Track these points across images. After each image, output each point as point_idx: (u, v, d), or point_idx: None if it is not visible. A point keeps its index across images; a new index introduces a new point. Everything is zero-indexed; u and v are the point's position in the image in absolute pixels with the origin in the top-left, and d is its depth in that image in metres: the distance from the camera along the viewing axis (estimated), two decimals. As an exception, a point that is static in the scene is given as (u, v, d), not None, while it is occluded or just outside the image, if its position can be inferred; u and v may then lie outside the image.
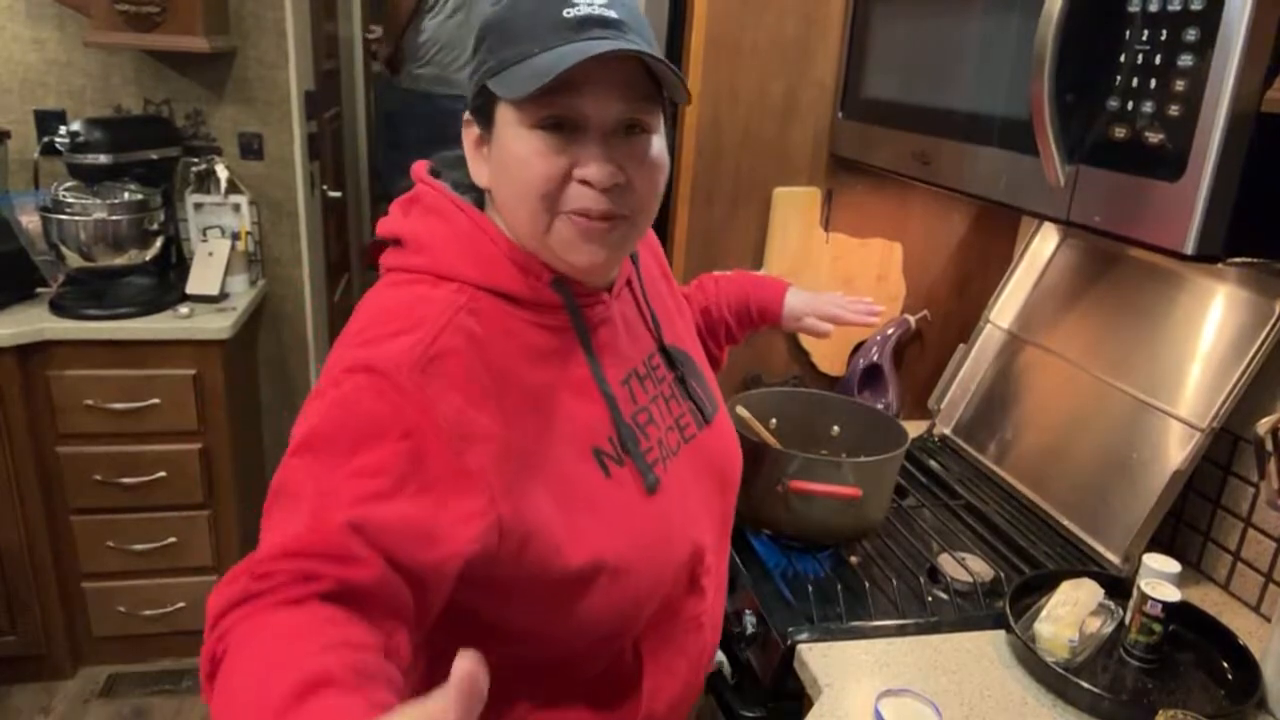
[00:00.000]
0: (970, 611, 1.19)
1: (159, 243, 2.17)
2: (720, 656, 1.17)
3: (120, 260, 2.09)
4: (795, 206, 1.69)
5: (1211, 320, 1.27)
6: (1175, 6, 0.89)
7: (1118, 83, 0.96)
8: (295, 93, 2.40)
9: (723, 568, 0.99)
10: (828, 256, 1.74)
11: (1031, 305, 1.61)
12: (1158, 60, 0.91)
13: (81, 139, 2.03)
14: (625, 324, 0.89)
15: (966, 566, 1.26)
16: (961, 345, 1.72)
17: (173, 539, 2.19)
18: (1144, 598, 1.07)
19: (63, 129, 2.03)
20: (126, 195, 2.10)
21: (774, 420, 1.39)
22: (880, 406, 1.71)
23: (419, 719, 0.46)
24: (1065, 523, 1.37)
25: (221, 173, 2.31)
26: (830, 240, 1.74)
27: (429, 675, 0.83)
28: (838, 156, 1.66)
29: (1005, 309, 1.65)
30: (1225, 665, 1.09)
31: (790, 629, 1.12)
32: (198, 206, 2.32)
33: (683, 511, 0.88)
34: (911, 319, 1.80)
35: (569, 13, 0.73)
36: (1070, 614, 1.10)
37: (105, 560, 2.17)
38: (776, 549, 1.30)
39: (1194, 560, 1.33)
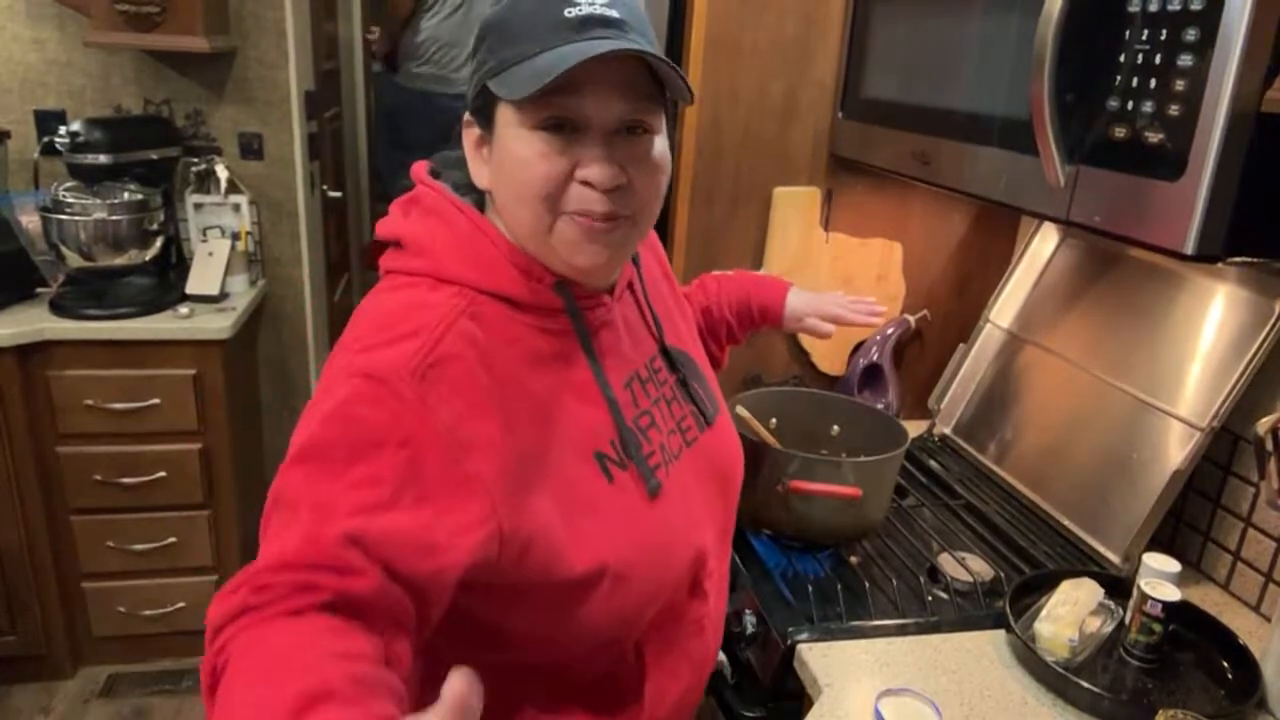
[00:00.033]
0: (970, 611, 1.19)
1: (159, 243, 2.17)
2: (720, 656, 1.17)
3: (120, 260, 2.09)
4: (795, 206, 1.70)
5: (1211, 320, 1.27)
6: (1175, 6, 0.89)
7: (1118, 82, 0.96)
8: (295, 93, 2.40)
9: (724, 570, 0.99)
10: (828, 256, 1.74)
11: (1031, 305, 1.61)
12: (1158, 60, 0.91)
13: (81, 139, 2.02)
14: (627, 326, 0.88)
15: (966, 566, 1.26)
16: (961, 345, 1.72)
17: (173, 539, 2.19)
18: (1144, 597, 1.07)
19: (63, 129, 2.03)
20: (126, 195, 2.10)
21: (774, 420, 1.39)
22: (880, 406, 1.71)
23: None
24: (1065, 522, 1.37)
25: (221, 173, 2.31)
26: (830, 240, 1.74)
27: (429, 681, 0.82)
28: (838, 156, 1.66)
29: (1005, 309, 1.65)
30: (1225, 665, 1.09)
31: (790, 629, 1.12)
32: (198, 206, 2.32)
33: (685, 515, 0.87)
34: (911, 319, 1.80)
35: (570, 12, 0.72)
36: (1070, 614, 1.10)
37: (105, 560, 2.17)
38: (776, 549, 1.30)
39: (1194, 560, 1.33)
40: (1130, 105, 0.95)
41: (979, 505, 1.46)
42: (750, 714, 1.16)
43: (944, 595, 1.23)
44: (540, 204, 0.75)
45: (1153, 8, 0.91)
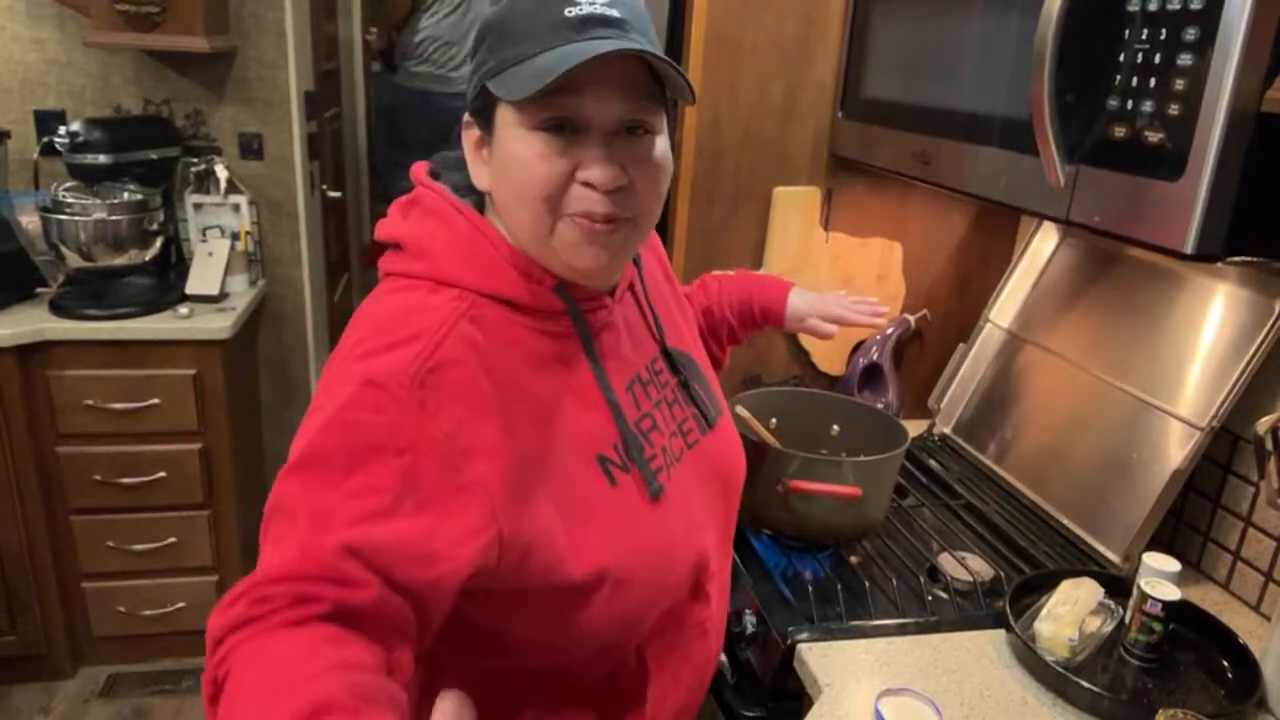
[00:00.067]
0: (970, 611, 1.19)
1: (159, 243, 2.17)
2: (720, 656, 1.17)
3: (120, 260, 2.09)
4: (795, 206, 1.70)
5: (1211, 319, 1.27)
6: (1175, 6, 0.89)
7: (1117, 82, 0.96)
8: (295, 93, 2.40)
9: (725, 573, 0.98)
10: (828, 256, 1.74)
11: (1031, 305, 1.61)
12: (1157, 60, 0.91)
13: (81, 139, 2.02)
14: (628, 328, 0.88)
15: (966, 566, 1.26)
16: (961, 345, 1.72)
17: (173, 539, 2.19)
18: (1144, 597, 1.07)
19: (62, 129, 2.03)
20: (126, 195, 2.10)
21: (774, 420, 1.39)
22: (880, 406, 1.71)
23: None
24: (1065, 522, 1.37)
25: (221, 173, 2.31)
26: (830, 240, 1.74)
27: (429, 687, 0.82)
28: (838, 156, 1.66)
29: (1005, 308, 1.65)
30: (1225, 664, 1.09)
31: (790, 629, 1.12)
32: (197, 206, 2.32)
33: (686, 519, 0.87)
34: (911, 318, 1.80)
35: (570, 12, 0.72)
36: (1070, 613, 1.10)
37: (105, 560, 2.17)
38: (776, 549, 1.30)
39: (1194, 559, 1.33)
40: (1130, 105, 0.95)
41: (979, 505, 1.46)
42: (750, 714, 1.16)
43: (944, 595, 1.23)
44: (541, 205, 0.74)
45: (1152, 7, 0.91)
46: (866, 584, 1.22)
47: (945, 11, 1.31)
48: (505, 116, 0.75)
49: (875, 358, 1.77)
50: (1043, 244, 1.62)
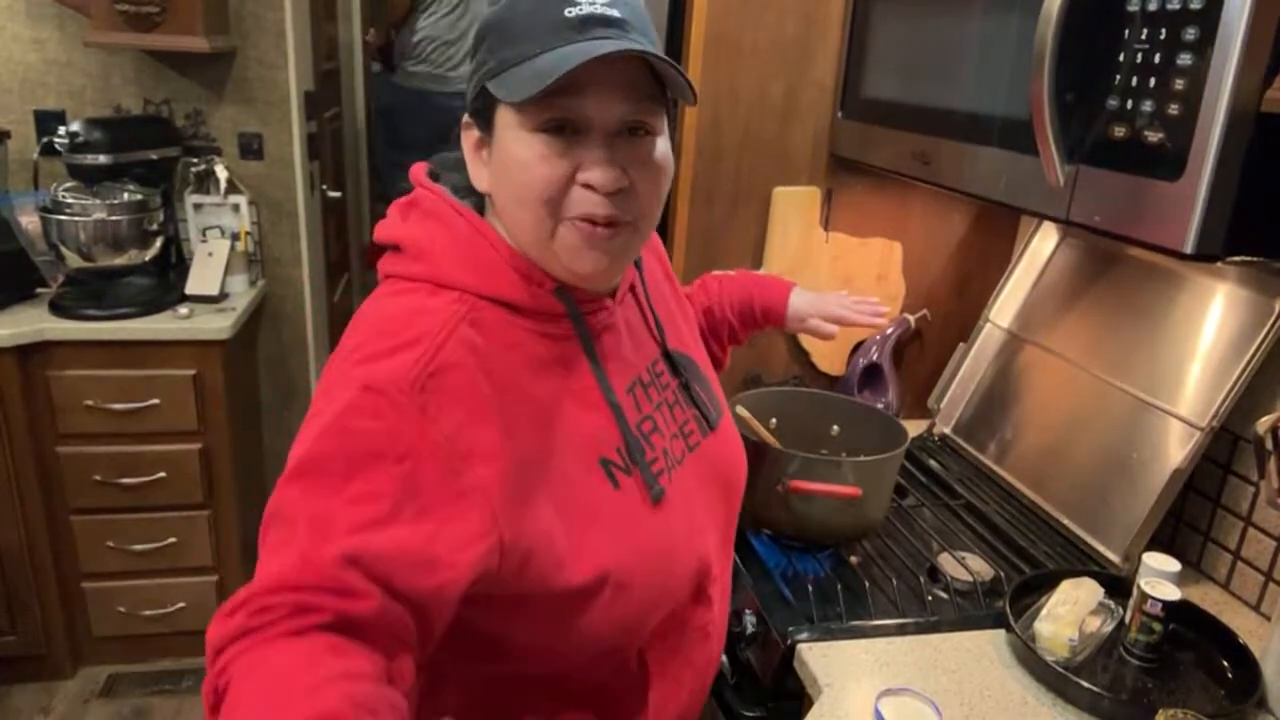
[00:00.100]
0: (970, 611, 1.19)
1: (159, 243, 2.17)
2: (721, 658, 1.17)
3: (120, 260, 2.09)
4: (795, 206, 1.70)
5: (1211, 319, 1.27)
6: (1175, 6, 0.89)
7: (1117, 82, 0.96)
8: (295, 93, 2.40)
9: (727, 576, 0.98)
10: (828, 256, 1.74)
11: (1031, 305, 1.61)
12: (1157, 59, 0.91)
13: (81, 139, 2.02)
14: (629, 330, 0.87)
15: (966, 566, 1.26)
16: (961, 345, 1.72)
17: (173, 539, 2.19)
18: (1144, 597, 1.07)
19: (62, 129, 2.03)
20: (126, 195, 2.10)
21: (774, 420, 1.39)
22: (880, 406, 1.71)
23: None
24: (1065, 522, 1.37)
25: (221, 173, 2.31)
26: (830, 240, 1.74)
27: (430, 693, 0.82)
28: (838, 156, 1.66)
29: (1005, 308, 1.65)
30: (1225, 664, 1.09)
31: (790, 629, 1.12)
32: (197, 207, 2.32)
33: (688, 522, 0.86)
34: (911, 318, 1.80)
35: (570, 12, 0.71)
36: (1070, 613, 1.10)
37: (105, 560, 2.17)
38: (776, 549, 1.30)
39: (1194, 559, 1.33)
40: (1130, 105, 0.95)
41: (979, 505, 1.46)
42: (750, 714, 1.16)
43: (944, 595, 1.23)
44: (541, 207, 0.73)
45: (1152, 7, 0.91)
46: (866, 584, 1.22)
47: (945, 11, 1.31)
48: (505, 118, 0.74)
49: (875, 358, 1.78)
50: (1042, 244, 1.62)
